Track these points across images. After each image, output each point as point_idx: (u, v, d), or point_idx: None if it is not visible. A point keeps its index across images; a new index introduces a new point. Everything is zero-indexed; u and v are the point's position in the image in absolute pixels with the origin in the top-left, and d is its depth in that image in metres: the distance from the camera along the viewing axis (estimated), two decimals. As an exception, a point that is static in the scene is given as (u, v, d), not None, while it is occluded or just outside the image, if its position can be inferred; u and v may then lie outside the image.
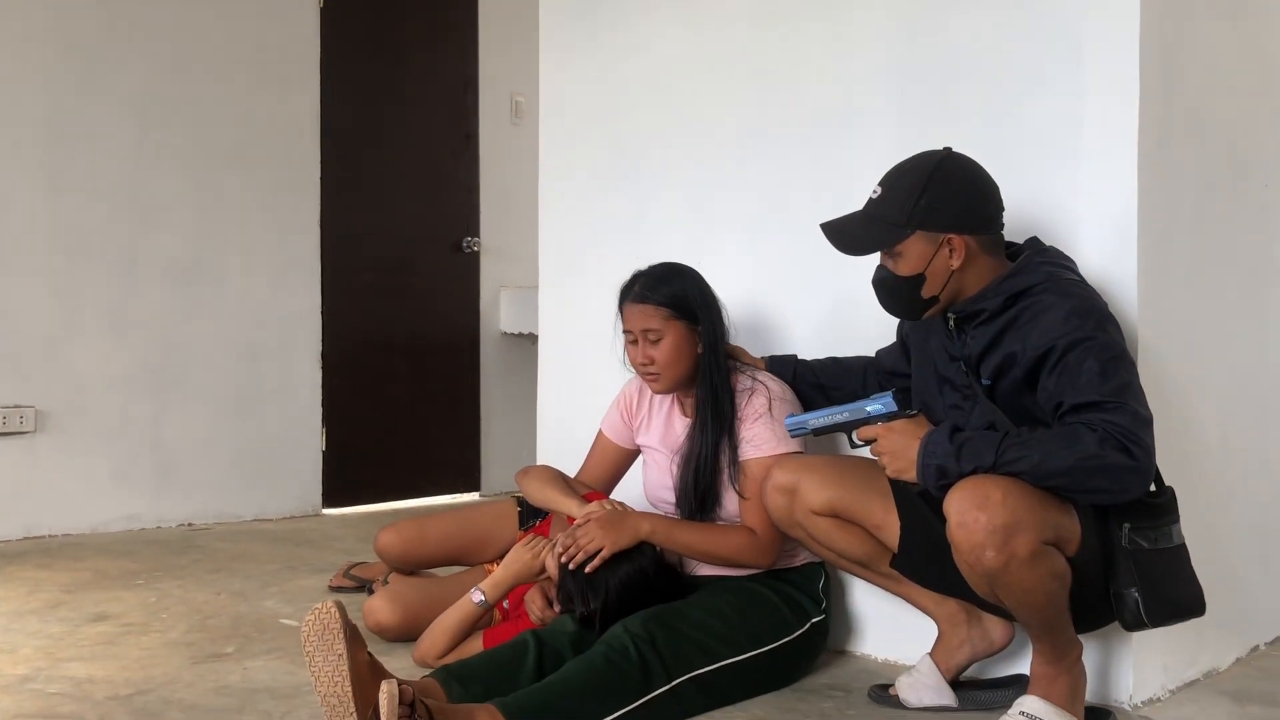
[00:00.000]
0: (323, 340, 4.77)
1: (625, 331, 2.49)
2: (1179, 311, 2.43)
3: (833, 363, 2.59)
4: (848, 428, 2.13)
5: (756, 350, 2.68)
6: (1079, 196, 2.34)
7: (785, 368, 2.58)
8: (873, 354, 2.54)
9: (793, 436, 2.29)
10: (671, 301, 2.45)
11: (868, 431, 2.08)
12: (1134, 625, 1.99)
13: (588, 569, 2.30)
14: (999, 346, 2.04)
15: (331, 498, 4.80)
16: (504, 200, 5.24)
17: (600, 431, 2.71)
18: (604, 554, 2.31)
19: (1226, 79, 2.60)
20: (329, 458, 4.79)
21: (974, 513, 1.86)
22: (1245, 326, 2.71)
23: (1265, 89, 2.75)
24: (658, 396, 2.61)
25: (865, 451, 2.12)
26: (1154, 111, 2.30)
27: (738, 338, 2.68)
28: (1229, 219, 2.63)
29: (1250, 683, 2.47)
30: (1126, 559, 1.95)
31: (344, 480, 4.83)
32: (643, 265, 2.54)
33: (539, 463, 3.29)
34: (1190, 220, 2.46)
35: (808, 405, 2.49)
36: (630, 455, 2.71)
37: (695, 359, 2.46)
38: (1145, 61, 2.28)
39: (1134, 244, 2.27)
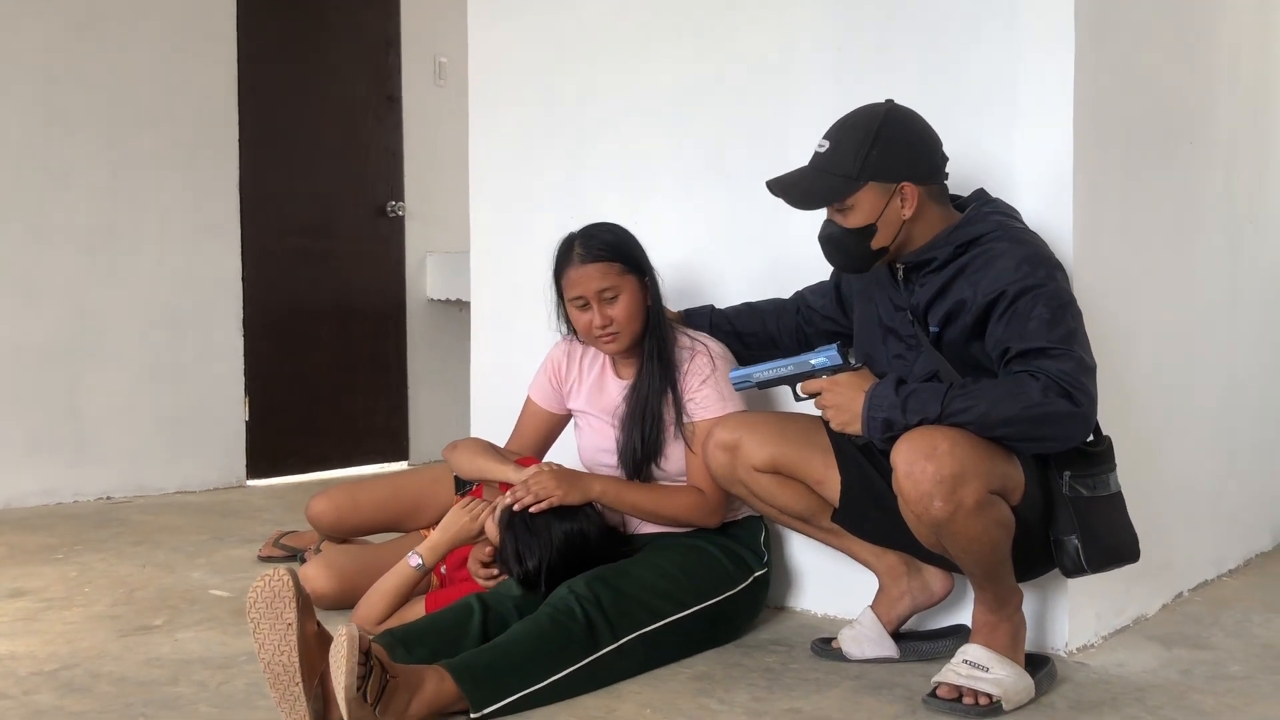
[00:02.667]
0: (244, 306, 4.65)
1: (575, 299, 2.43)
2: (1113, 261, 2.46)
3: (747, 308, 2.59)
4: (792, 380, 2.12)
5: (690, 305, 2.66)
6: (1015, 149, 2.36)
7: (702, 319, 2.58)
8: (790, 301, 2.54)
9: (737, 390, 2.27)
10: (620, 254, 2.41)
11: (812, 385, 2.07)
12: (1073, 571, 2.02)
13: (534, 509, 2.26)
14: (948, 294, 2.05)
15: (256, 468, 4.70)
16: (429, 164, 5.14)
17: (528, 398, 2.67)
18: (552, 501, 2.28)
19: (1154, 37, 2.64)
20: (252, 427, 4.68)
21: (922, 463, 1.87)
22: (1173, 279, 2.76)
23: (1188, 49, 2.80)
24: (587, 360, 2.58)
25: (809, 406, 2.12)
26: (1088, 66, 2.32)
27: (675, 296, 2.66)
28: (1157, 173, 2.68)
29: (1176, 627, 2.54)
30: (1066, 506, 1.98)
31: (268, 450, 4.73)
32: (573, 229, 2.49)
33: (473, 433, 3.26)
34: (1121, 173, 2.50)
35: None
36: (561, 421, 2.67)
37: (647, 313, 2.43)
38: (1080, 15, 2.29)
39: (1070, 195, 2.30)
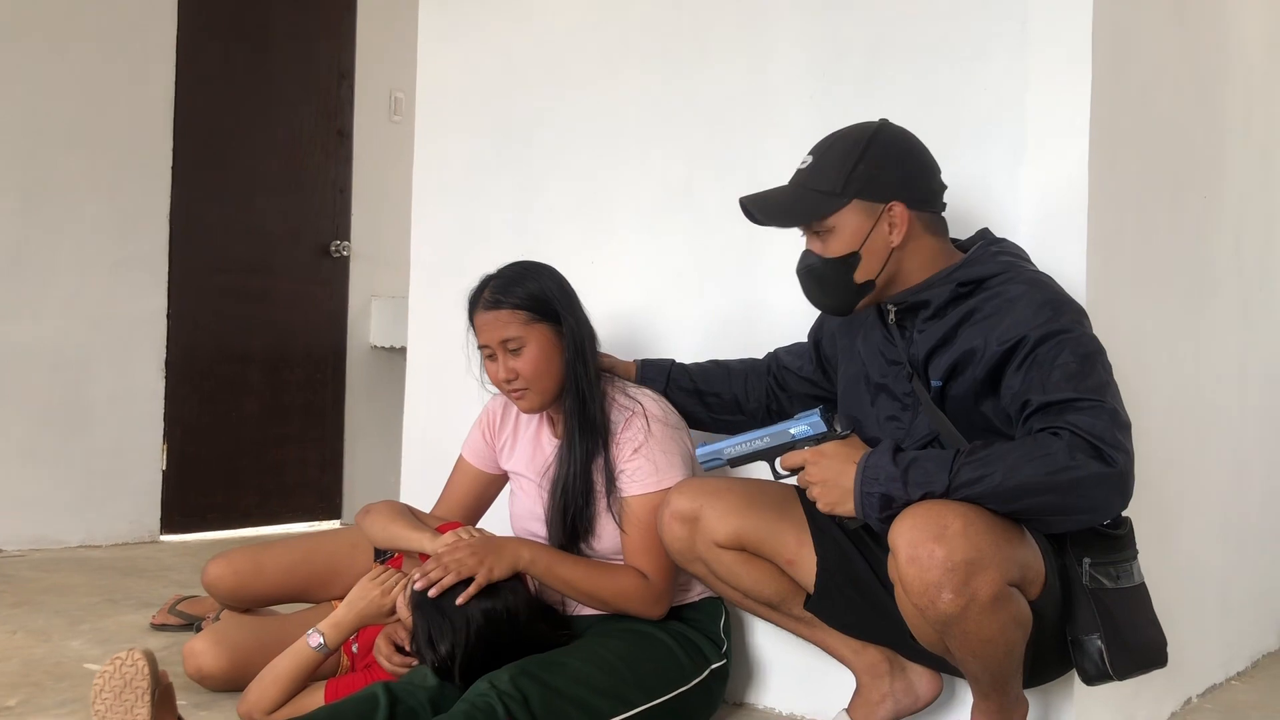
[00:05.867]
0: (168, 346, 4.28)
1: (481, 347, 2.14)
2: (1126, 320, 2.19)
3: (714, 365, 2.28)
4: (769, 455, 1.81)
5: (651, 354, 2.35)
6: (1020, 190, 2.09)
7: (659, 373, 2.26)
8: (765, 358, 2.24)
9: (706, 469, 1.93)
10: (529, 302, 2.10)
11: (793, 458, 1.76)
12: (1095, 678, 1.71)
13: (459, 600, 1.91)
14: (953, 343, 1.75)
15: (171, 523, 4.30)
16: (379, 203, 4.82)
17: (461, 456, 2.36)
18: (479, 581, 1.94)
19: (1170, 78, 2.40)
20: (170, 477, 4.29)
21: (929, 546, 1.55)
22: (1185, 344, 2.50)
23: (1203, 94, 2.56)
24: (525, 415, 2.26)
25: (792, 483, 1.80)
26: (1105, 99, 2.06)
27: (635, 342, 2.36)
28: (1170, 226, 2.42)
29: (1190, 740, 2.23)
30: (1087, 600, 1.67)
31: (186, 503, 4.33)
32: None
33: (403, 494, 2.94)
34: (1135, 224, 2.24)
35: (684, 414, 2.19)
36: (496, 482, 2.35)
37: (563, 366, 2.12)
38: (1098, 46, 2.04)
39: (1083, 244, 2.03)
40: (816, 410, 1.78)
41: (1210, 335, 2.62)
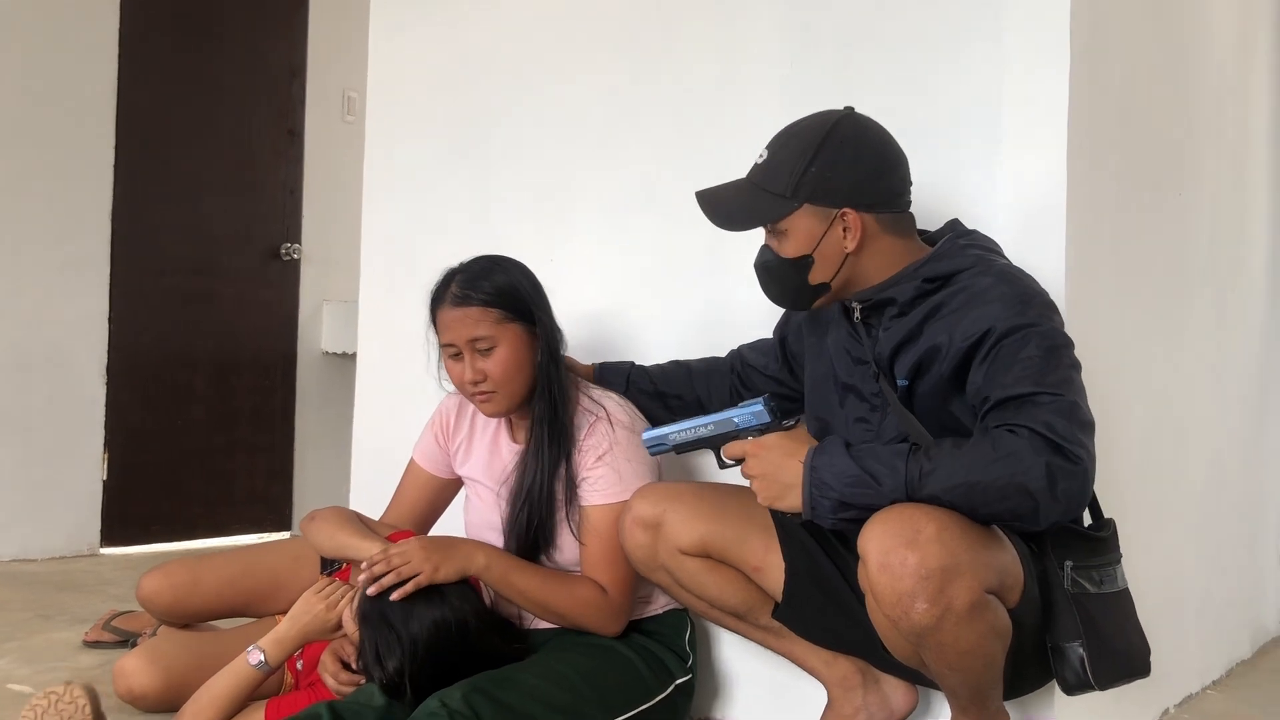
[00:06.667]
0: (109, 351, 4.11)
1: (445, 345, 2.02)
2: (1105, 319, 2.12)
3: (675, 367, 2.19)
4: (713, 443, 1.73)
5: (615, 358, 2.25)
6: (996, 183, 2.01)
7: (618, 376, 2.16)
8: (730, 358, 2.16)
9: (652, 453, 1.86)
10: (502, 299, 1.99)
11: (735, 448, 1.68)
12: (1076, 688, 1.62)
13: (394, 595, 1.80)
14: (917, 340, 1.66)
15: (113, 534, 4.12)
16: (331, 205, 4.68)
17: (412, 459, 2.24)
18: (420, 580, 1.82)
19: (1148, 71, 2.34)
20: (111, 487, 4.12)
21: (901, 552, 1.45)
22: (1163, 345, 2.44)
23: (1179, 90, 2.51)
24: (480, 416, 2.14)
25: (736, 474, 1.71)
26: (1083, 92, 1.99)
27: (597, 345, 2.27)
28: (1148, 224, 2.36)
29: (1169, 753, 2.16)
30: (1069, 606, 1.59)
31: (128, 514, 4.16)
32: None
33: (352, 502, 2.81)
34: (1114, 221, 2.17)
35: (647, 418, 2.09)
36: (449, 488, 2.24)
37: (534, 369, 2.00)
38: (1076, 34, 1.97)
39: (1062, 240, 1.95)
40: (760, 399, 1.71)
41: (1186, 337, 2.57)
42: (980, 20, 2.04)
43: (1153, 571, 2.30)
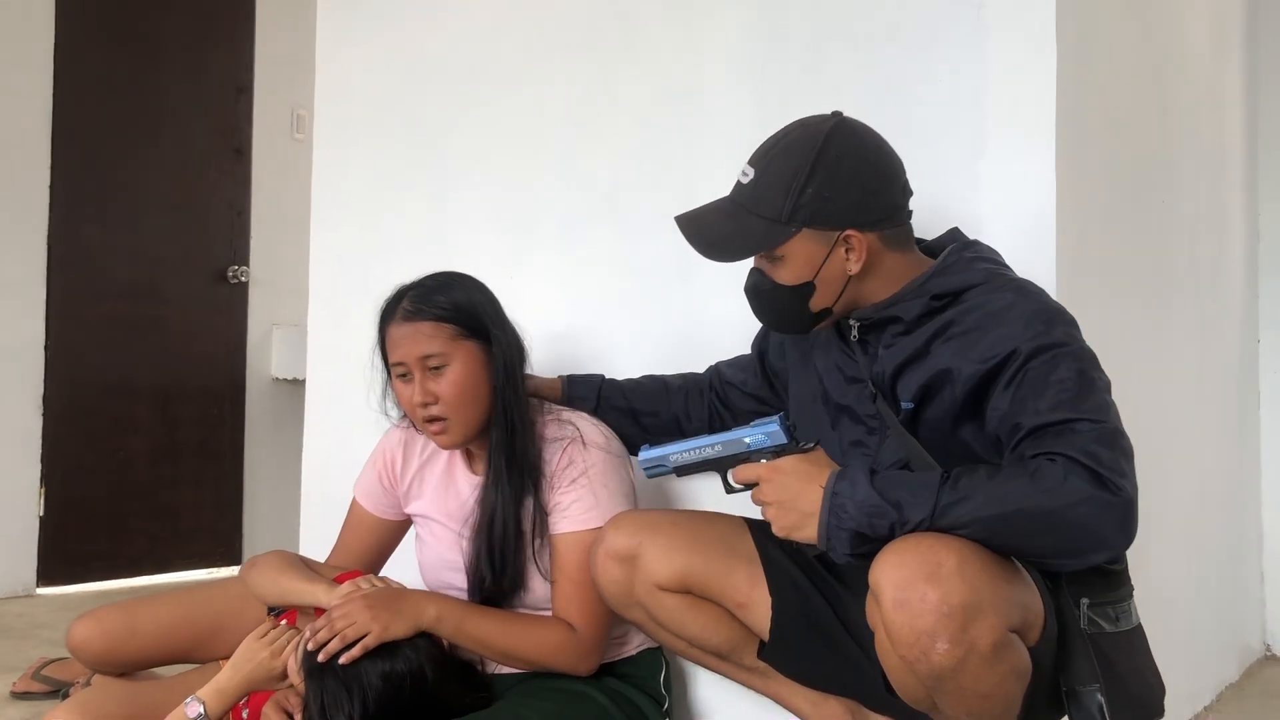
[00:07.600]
0: (45, 380, 3.93)
1: (394, 365, 1.87)
2: (1095, 331, 2.00)
3: (651, 381, 2.05)
4: (721, 465, 1.59)
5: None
6: (981, 188, 1.91)
7: (589, 390, 2.02)
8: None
9: (649, 476, 1.71)
10: (456, 315, 1.85)
11: (747, 472, 1.54)
12: (1093, 734, 1.50)
13: (343, 659, 1.66)
14: (925, 360, 1.54)
15: (50, 573, 3.93)
16: (280, 225, 4.51)
17: (354, 500, 2.09)
18: (368, 641, 1.68)
19: (1129, 78, 2.27)
20: (47, 524, 3.92)
21: (920, 587, 1.32)
22: (1148, 361, 2.35)
23: (1162, 97, 2.44)
24: (430, 448, 2.00)
25: (745, 500, 1.57)
26: (1070, 95, 1.91)
27: (561, 363, 2.13)
28: (1134, 229, 2.27)
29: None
30: (1085, 646, 1.46)
31: (66, 552, 3.96)
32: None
33: (302, 538, 2.71)
34: (1102, 226, 2.09)
35: (619, 436, 1.95)
36: (397, 529, 2.09)
37: (491, 393, 1.86)
38: (1062, 34, 1.88)
39: (1052, 247, 1.86)
40: (776, 417, 1.57)
41: (1172, 351, 2.49)
42: (960, 16, 1.95)
43: (1146, 597, 2.18)
